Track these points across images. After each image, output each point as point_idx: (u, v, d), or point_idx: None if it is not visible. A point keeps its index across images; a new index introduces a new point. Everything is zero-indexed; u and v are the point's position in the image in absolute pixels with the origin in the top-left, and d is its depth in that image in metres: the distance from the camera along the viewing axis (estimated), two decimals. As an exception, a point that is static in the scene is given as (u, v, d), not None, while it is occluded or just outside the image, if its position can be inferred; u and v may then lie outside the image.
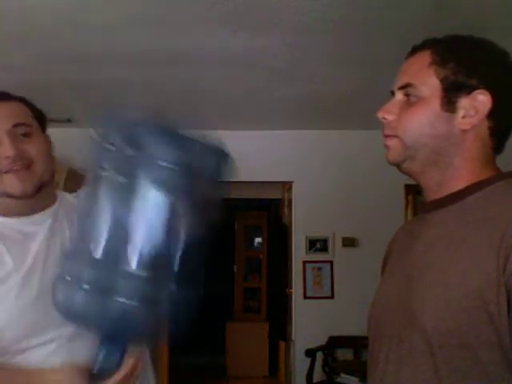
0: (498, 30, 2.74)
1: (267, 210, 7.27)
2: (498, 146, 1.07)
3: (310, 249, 4.96)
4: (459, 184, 1.04)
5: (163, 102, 4.13)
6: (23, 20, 2.65)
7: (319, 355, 4.68)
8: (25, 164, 1.28)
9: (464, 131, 1.03)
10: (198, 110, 4.36)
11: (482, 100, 1.02)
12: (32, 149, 1.30)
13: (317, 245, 4.96)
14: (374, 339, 1.11)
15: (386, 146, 1.09)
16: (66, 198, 1.45)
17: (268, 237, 7.46)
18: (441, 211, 1.06)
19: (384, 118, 1.08)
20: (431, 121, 1.04)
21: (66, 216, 1.39)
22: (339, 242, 4.95)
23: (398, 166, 1.09)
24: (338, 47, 3.01)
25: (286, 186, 5.41)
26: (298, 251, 5.00)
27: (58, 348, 1.26)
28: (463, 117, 1.03)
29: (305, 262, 4.97)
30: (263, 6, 2.50)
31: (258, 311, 7.50)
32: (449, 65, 1.03)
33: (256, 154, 4.94)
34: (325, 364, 4.68)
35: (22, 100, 1.36)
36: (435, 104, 1.03)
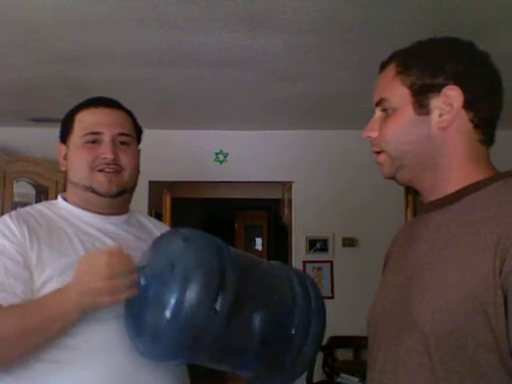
0: (498, 30, 2.74)
1: (267, 210, 7.28)
2: (485, 138, 1.07)
3: (310, 249, 4.96)
4: (453, 183, 1.05)
5: (163, 103, 4.14)
6: (23, 20, 2.65)
7: (319, 355, 4.68)
8: (116, 169, 1.43)
9: (444, 129, 1.04)
10: (198, 110, 4.36)
11: (453, 95, 1.03)
12: (126, 157, 1.45)
13: (317, 245, 4.96)
14: (373, 339, 1.12)
15: (378, 163, 1.12)
16: (138, 215, 1.61)
17: (268, 237, 7.47)
18: (440, 212, 1.06)
19: (368, 136, 1.12)
20: (408, 127, 1.06)
21: (134, 227, 1.52)
22: (339, 242, 4.95)
23: (393, 179, 1.12)
24: (338, 47, 3.01)
25: (286, 185, 5.42)
26: (298, 251, 5.00)
27: (116, 329, 1.31)
28: (440, 115, 1.04)
29: (305, 262, 4.97)
30: (263, 6, 2.49)
31: (258, 311, 7.50)
32: (412, 71, 1.06)
33: (256, 154, 4.95)
34: (325, 364, 4.69)
35: (129, 113, 1.53)
36: (408, 111, 1.06)
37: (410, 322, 0.99)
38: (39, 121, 4.44)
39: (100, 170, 1.42)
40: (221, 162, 4.96)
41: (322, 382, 4.63)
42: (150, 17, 2.61)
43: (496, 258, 0.91)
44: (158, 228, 1.58)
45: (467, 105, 1.03)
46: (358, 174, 4.84)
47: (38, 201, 4.51)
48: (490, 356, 0.91)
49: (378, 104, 1.11)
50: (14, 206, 4.37)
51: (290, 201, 5.30)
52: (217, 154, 4.95)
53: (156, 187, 5.24)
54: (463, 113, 1.04)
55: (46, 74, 3.41)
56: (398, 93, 1.07)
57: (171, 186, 6.08)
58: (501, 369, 0.91)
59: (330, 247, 4.95)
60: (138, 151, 1.54)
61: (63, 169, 1.51)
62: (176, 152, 4.88)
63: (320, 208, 4.92)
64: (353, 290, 4.75)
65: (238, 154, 4.96)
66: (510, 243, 0.90)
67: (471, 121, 1.04)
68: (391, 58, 1.12)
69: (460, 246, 0.98)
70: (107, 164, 1.41)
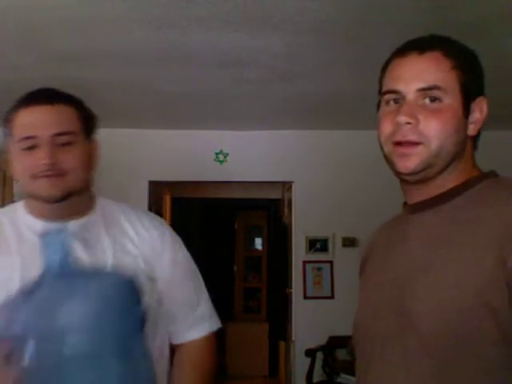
0: (498, 29, 2.74)
1: (267, 210, 7.27)
2: (477, 144, 1.10)
3: (310, 249, 4.96)
4: (452, 185, 1.05)
5: (163, 103, 4.14)
6: (23, 20, 2.65)
7: (319, 355, 4.68)
8: (58, 173, 1.31)
9: (471, 136, 1.06)
10: (199, 110, 4.36)
11: (484, 105, 1.05)
12: (68, 159, 1.32)
13: (317, 245, 4.96)
14: (365, 341, 1.10)
15: (406, 154, 1.02)
16: (110, 208, 1.46)
17: (268, 237, 7.46)
18: (431, 211, 1.05)
19: (409, 122, 1.01)
20: (457, 128, 1.03)
21: (103, 226, 1.40)
22: (339, 242, 4.95)
23: (413, 174, 1.04)
24: (338, 47, 3.01)
25: (286, 185, 5.41)
26: (298, 251, 5.00)
27: None
28: (472, 122, 1.05)
29: (305, 262, 4.96)
30: (263, 6, 2.50)
31: (258, 311, 7.50)
32: (466, 69, 1.03)
33: (256, 154, 4.95)
34: (325, 364, 4.68)
35: (70, 102, 1.37)
36: (459, 110, 1.03)
37: (407, 322, 0.98)
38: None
39: (41, 177, 1.31)
40: (221, 162, 4.95)
41: (322, 382, 4.63)
42: (149, 17, 2.61)
43: (499, 253, 0.91)
44: (133, 224, 1.44)
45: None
46: (358, 174, 4.84)
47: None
48: (496, 351, 0.91)
49: (426, 89, 1.02)
50: (14, 205, 4.36)
51: (289, 201, 5.30)
52: (217, 154, 4.95)
53: (156, 187, 5.24)
54: None
55: (46, 74, 3.41)
56: (453, 88, 1.02)
57: (171, 186, 6.07)
58: (505, 365, 0.92)
59: (330, 247, 4.95)
60: (91, 145, 1.40)
61: (12, 177, 1.41)
62: (176, 152, 4.88)
63: (320, 208, 4.92)
64: (353, 290, 4.71)
65: (238, 154, 4.95)
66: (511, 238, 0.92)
67: (478, 129, 1.07)
68: (436, 45, 1.05)
69: (456, 245, 0.98)
70: (46, 170, 1.30)
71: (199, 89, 3.77)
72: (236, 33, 2.79)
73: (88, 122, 1.40)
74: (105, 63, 3.26)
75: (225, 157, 4.95)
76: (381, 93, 1.10)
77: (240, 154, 4.95)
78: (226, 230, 7.62)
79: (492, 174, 1.07)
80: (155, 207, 5.14)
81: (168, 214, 6.35)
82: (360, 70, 3.30)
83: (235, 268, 7.69)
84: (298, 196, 5.04)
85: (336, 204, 4.89)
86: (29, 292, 1.16)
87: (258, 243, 7.82)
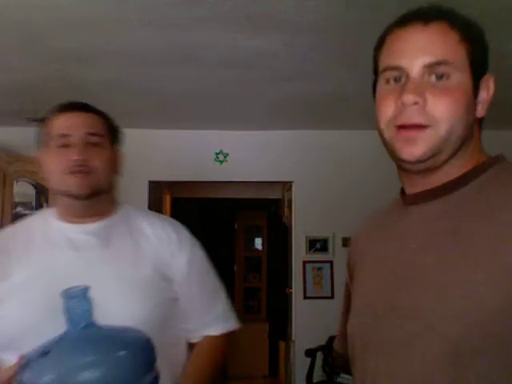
0: (498, 30, 2.74)
1: (267, 210, 7.27)
2: (481, 127, 0.99)
3: (310, 249, 4.96)
4: (460, 172, 0.94)
5: (163, 103, 4.14)
6: (23, 20, 2.65)
7: (319, 355, 4.67)
8: (86, 170, 1.42)
9: (478, 118, 0.95)
10: (199, 110, 4.36)
11: (491, 84, 0.95)
12: (96, 158, 1.44)
13: (317, 245, 4.96)
14: (364, 354, 0.96)
15: (412, 139, 0.90)
16: (133, 213, 1.57)
17: (268, 237, 7.47)
18: (434, 202, 0.94)
19: (417, 102, 0.89)
20: (467, 108, 0.91)
21: (125, 228, 1.50)
22: (339, 242, 4.95)
23: (419, 162, 0.92)
24: (338, 47, 3.02)
25: (286, 186, 5.41)
26: (298, 251, 5.00)
27: None
28: (479, 102, 0.94)
29: (305, 262, 4.97)
30: (263, 6, 2.50)
31: (258, 311, 7.50)
32: (473, 43, 0.93)
33: (256, 154, 4.95)
34: (325, 364, 4.68)
35: (100, 113, 1.52)
36: (469, 89, 0.91)
37: (424, 327, 0.86)
38: (39, 121, 4.44)
39: (70, 173, 1.42)
40: (221, 162, 4.96)
41: (322, 382, 4.63)
42: (150, 17, 2.61)
43: None
44: (154, 228, 1.52)
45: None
46: (358, 174, 4.85)
47: (37, 201, 4.52)
48: None
49: (434, 64, 0.90)
50: (14, 205, 4.37)
51: (290, 201, 5.30)
52: (217, 154, 4.95)
53: (156, 187, 5.24)
54: None
55: (46, 74, 3.41)
56: (462, 63, 0.90)
57: (171, 185, 6.08)
58: None
59: (330, 247, 4.95)
60: (116, 152, 1.54)
61: (43, 176, 1.52)
62: (176, 152, 4.88)
63: (320, 208, 4.92)
64: (353, 290, 4.73)
65: (238, 154, 4.95)
66: None
67: (486, 110, 0.96)
68: (440, 16, 0.94)
69: (474, 238, 0.86)
70: (76, 166, 1.41)
71: (199, 89, 3.77)
72: (236, 33, 2.79)
73: (114, 133, 1.54)
74: (105, 63, 3.26)
75: (225, 157, 4.95)
76: (377, 72, 0.98)
77: (240, 154, 4.95)
78: (225, 230, 7.62)
79: (500, 159, 0.96)
80: (155, 207, 5.14)
81: (168, 214, 6.35)
82: (360, 69, 3.30)
83: (235, 268, 7.69)
84: (297, 196, 5.04)
85: (336, 204, 4.90)
86: (46, 351, 1.13)
87: (258, 243, 7.83)
